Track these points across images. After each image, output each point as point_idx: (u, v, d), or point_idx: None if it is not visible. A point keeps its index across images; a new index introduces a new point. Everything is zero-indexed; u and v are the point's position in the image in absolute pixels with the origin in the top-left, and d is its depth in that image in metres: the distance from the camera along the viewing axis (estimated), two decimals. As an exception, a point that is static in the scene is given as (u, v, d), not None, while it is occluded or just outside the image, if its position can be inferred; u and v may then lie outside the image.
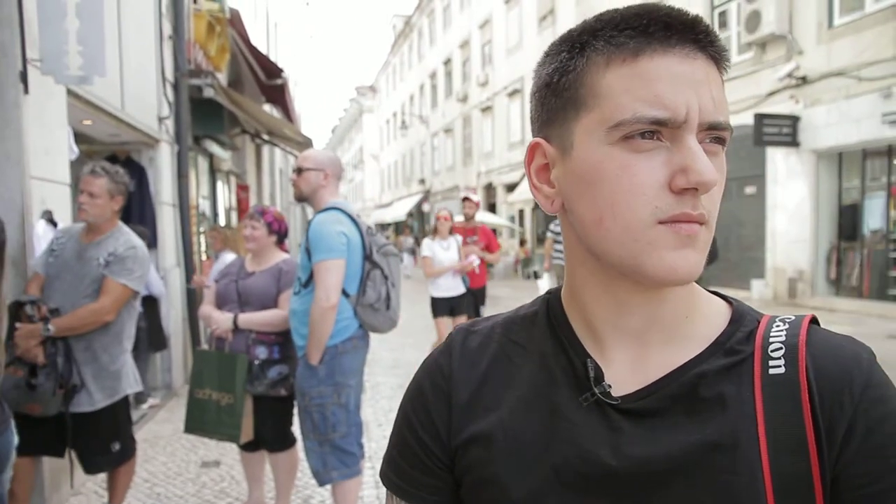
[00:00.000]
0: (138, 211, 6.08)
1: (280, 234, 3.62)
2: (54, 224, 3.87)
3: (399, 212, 40.47)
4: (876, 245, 10.88)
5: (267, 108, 12.88)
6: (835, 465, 0.63)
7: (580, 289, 0.75)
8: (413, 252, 25.38)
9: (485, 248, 7.19)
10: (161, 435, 5.29)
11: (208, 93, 7.31)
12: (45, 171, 3.87)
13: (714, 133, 0.65)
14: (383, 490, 3.97)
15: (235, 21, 9.61)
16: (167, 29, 6.76)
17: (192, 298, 6.82)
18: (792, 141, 11.34)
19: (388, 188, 50.28)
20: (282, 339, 3.41)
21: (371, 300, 3.11)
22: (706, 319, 0.73)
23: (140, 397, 5.76)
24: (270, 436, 3.51)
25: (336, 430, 3.07)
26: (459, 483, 0.79)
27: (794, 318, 0.71)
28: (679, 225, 0.63)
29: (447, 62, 32.69)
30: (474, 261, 6.76)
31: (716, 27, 13.19)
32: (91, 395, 3.12)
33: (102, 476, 3.84)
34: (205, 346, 4.18)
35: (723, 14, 13.33)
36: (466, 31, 29.41)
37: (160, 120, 6.50)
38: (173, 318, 6.56)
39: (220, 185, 10.46)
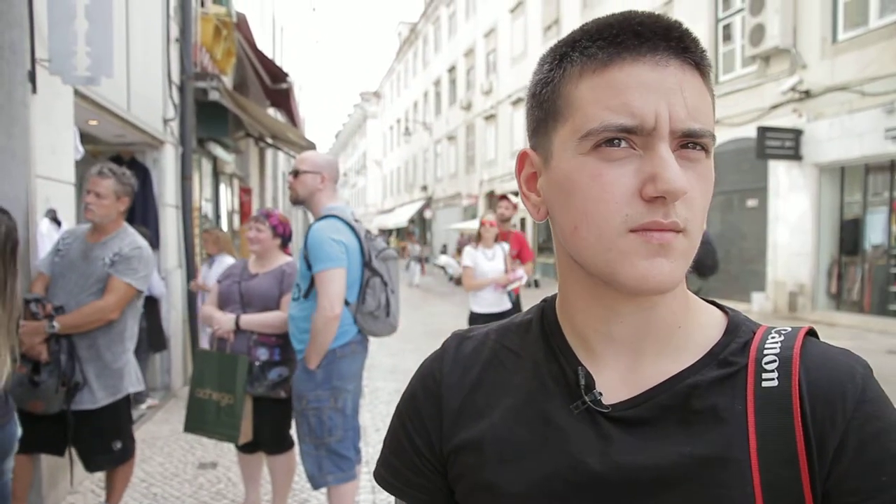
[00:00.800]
0: (141, 212, 6.09)
1: (284, 237, 3.64)
2: (58, 223, 3.88)
3: (401, 218, 40.52)
4: (877, 260, 10.88)
5: (271, 111, 12.91)
6: (826, 480, 0.62)
7: (570, 297, 0.75)
8: (420, 260, 24.85)
9: (516, 256, 6.26)
10: (159, 435, 5.29)
11: (213, 96, 7.34)
12: (50, 170, 3.89)
13: (691, 140, 0.64)
14: (380, 495, 3.98)
15: (242, 25, 9.66)
16: (174, 31, 6.80)
17: (193, 300, 6.84)
18: (794, 154, 11.36)
19: (391, 194, 50.34)
20: (283, 342, 3.42)
21: (371, 308, 3.10)
22: (701, 329, 0.72)
23: (139, 397, 5.77)
24: (269, 437, 3.52)
25: (332, 434, 3.06)
26: (453, 489, 0.80)
27: (790, 329, 0.71)
28: (650, 233, 0.63)
29: (452, 70, 32.80)
30: (522, 277, 5.89)
31: (720, 40, 13.27)
32: (93, 393, 3.14)
33: (100, 475, 3.85)
34: (205, 347, 4.19)
35: (727, 27, 13.37)
36: (471, 39, 29.52)
37: (165, 122, 6.52)
38: (173, 319, 6.58)
39: (223, 187, 10.48)
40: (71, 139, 4.22)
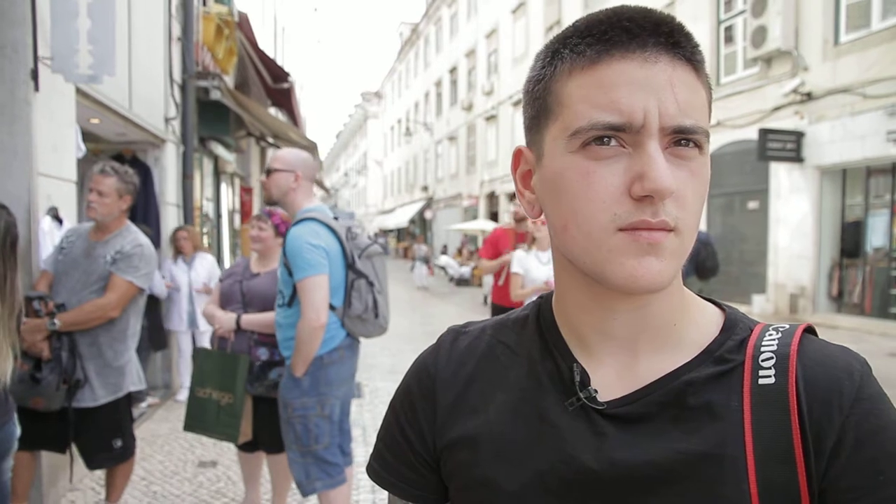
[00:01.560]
0: (142, 211, 6.10)
1: (286, 235, 3.63)
2: (60, 221, 3.89)
3: (401, 218, 40.50)
4: (878, 262, 10.87)
5: (273, 111, 12.93)
6: (823, 477, 0.62)
7: (566, 294, 0.75)
8: (427, 261, 24.12)
9: None
10: (159, 434, 5.30)
11: (215, 95, 7.34)
12: (52, 167, 3.89)
13: (682, 136, 0.63)
14: (380, 494, 3.97)
15: (243, 24, 9.67)
16: (176, 30, 6.80)
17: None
18: (796, 156, 11.35)
19: (391, 194, 50.35)
20: (283, 342, 3.42)
21: (358, 311, 2.99)
22: (697, 327, 0.72)
23: (139, 396, 5.77)
24: (268, 437, 3.51)
25: (319, 441, 2.98)
26: (446, 484, 0.80)
27: (788, 326, 0.70)
28: (639, 232, 0.62)
29: (453, 70, 32.79)
30: None
31: (722, 42, 13.25)
32: (94, 391, 3.14)
33: (100, 473, 3.86)
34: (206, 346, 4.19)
35: (729, 29, 13.36)
36: (473, 39, 29.52)
37: (167, 120, 6.53)
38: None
39: (224, 186, 10.49)
40: (73, 137, 4.22)
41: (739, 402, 0.65)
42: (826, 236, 11.51)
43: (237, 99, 8.13)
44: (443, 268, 25.04)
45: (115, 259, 3.16)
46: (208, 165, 9.08)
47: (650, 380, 0.69)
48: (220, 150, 8.91)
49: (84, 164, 4.65)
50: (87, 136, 5.25)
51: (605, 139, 0.63)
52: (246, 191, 12.19)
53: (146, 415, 5.78)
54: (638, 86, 0.62)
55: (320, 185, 16.35)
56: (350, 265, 2.99)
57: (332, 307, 2.95)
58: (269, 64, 10.65)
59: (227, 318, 3.42)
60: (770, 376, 0.65)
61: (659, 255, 0.63)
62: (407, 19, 46.82)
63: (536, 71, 0.71)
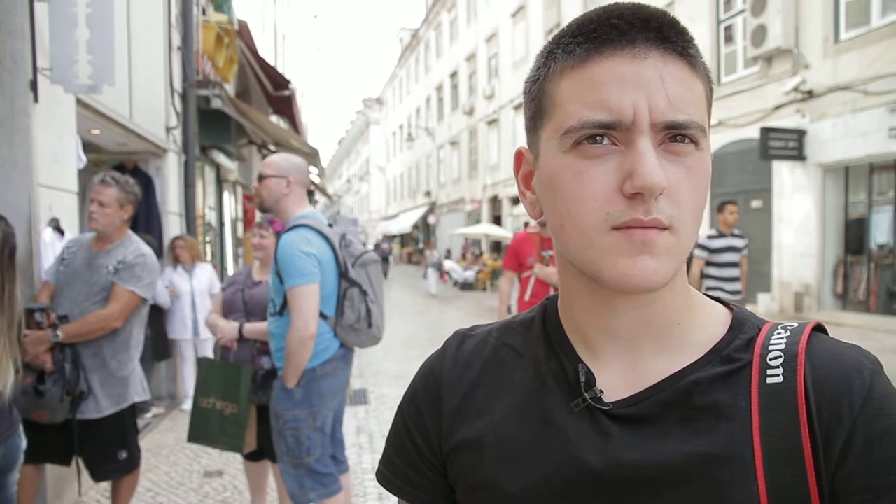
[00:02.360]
0: (144, 220, 6.10)
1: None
2: (61, 232, 3.88)
3: (405, 224, 40.55)
4: (883, 259, 10.83)
5: (274, 119, 12.94)
6: (833, 478, 0.61)
7: (569, 294, 0.74)
8: (440, 267, 23.06)
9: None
10: (164, 444, 5.28)
11: (216, 103, 7.35)
12: (52, 178, 3.89)
13: (676, 132, 0.62)
14: (388, 502, 3.94)
15: (243, 32, 9.68)
16: (176, 40, 6.81)
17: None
18: (798, 155, 11.32)
19: (394, 200, 50.40)
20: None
21: (350, 321, 2.94)
22: (704, 326, 0.71)
23: (144, 406, 5.76)
24: (273, 446, 3.49)
25: (310, 454, 2.94)
26: (453, 488, 0.80)
27: (797, 325, 0.69)
28: (632, 231, 0.62)
29: (454, 75, 32.84)
30: None
31: (722, 42, 13.24)
32: (98, 402, 3.13)
33: (105, 485, 3.84)
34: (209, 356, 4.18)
35: (729, 28, 13.35)
36: (473, 44, 29.56)
37: (168, 130, 6.53)
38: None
39: (226, 195, 10.49)
40: (73, 148, 4.22)
41: (747, 401, 0.64)
42: (830, 234, 11.47)
43: (238, 107, 8.14)
44: (447, 272, 24.96)
45: (117, 269, 3.15)
46: (210, 174, 9.09)
47: (656, 380, 0.69)
48: (221, 158, 8.92)
49: (85, 175, 4.64)
50: (88, 146, 5.25)
51: (598, 138, 0.63)
52: (248, 199, 12.19)
53: (151, 425, 5.77)
54: (627, 82, 0.61)
55: (323, 192, 16.34)
56: (343, 274, 2.94)
57: (324, 316, 2.90)
58: (270, 72, 10.66)
59: (230, 328, 3.41)
60: (778, 375, 0.64)
61: (653, 253, 0.62)
62: (407, 25, 46.96)
63: (533, 72, 0.71)
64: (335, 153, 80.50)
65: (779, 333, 0.68)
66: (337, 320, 2.94)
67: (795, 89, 11.38)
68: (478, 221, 28.03)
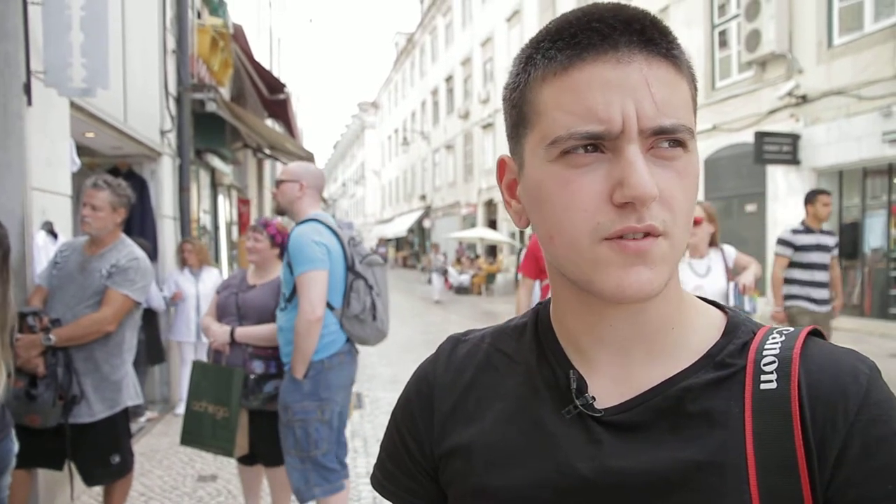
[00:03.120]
0: (139, 223, 6.08)
1: (283, 246, 3.61)
2: (54, 235, 3.87)
3: (400, 227, 40.54)
4: (877, 263, 10.87)
5: (269, 122, 12.93)
6: (828, 487, 0.59)
7: (560, 301, 0.73)
8: (444, 272, 22.15)
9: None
10: (158, 448, 5.26)
11: (211, 107, 7.34)
12: (46, 182, 3.88)
13: (665, 137, 0.61)
14: (382, 505, 3.92)
15: (238, 36, 9.67)
16: (171, 43, 6.80)
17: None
18: (792, 159, 11.36)
19: (390, 204, 50.40)
20: (278, 354, 3.40)
21: (356, 311, 3.06)
22: (697, 331, 0.70)
23: (137, 410, 5.74)
24: (266, 450, 3.48)
25: (318, 447, 3.00)
26: (445, 494, 0.80)
27: (792, 330, 0.68)
28: (625, 242, 0.60)
29: (449, 79, 32.89)
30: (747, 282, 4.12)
31: (716, 46, 13.28)
32: (91, 406, 3.11)
33: (98, 489, 3.82)
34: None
35: (723, 33, 13.40)
36: (468, 48, 29.61)
37: (162, 133, 6.52)
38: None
39: (221, 198, 10.48)
40: (67, 151, 4.21)
41: (740, 408, 0.63)
42: (824, 238, 11.49)
43: (233, 111, 8.13)
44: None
45: (110, 273, 3.14)
46: (205, 178, 9.08)
47: (648, 386, 0.67)
48: (216, 162, 8.90)
49: (79, 179, 4.62)
50: (83, 149, 5.23)
51: (586, 147, 0.61)
52: (243, 202, 12.19)
53: (145, 429, 5.74)
54: (612, 88, 0.59)
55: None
56: (350, 267, 3.06)
57: (331, 307, 3.00)
58: (265, 75, 10.66)
59: (222, 332, 3.40)
60: (772, 381, 0.63)
61: (648, 263, 0.61)
62: (402, 29, 46.99)
63: (512, 78, 0.69)
64: (330, 157, 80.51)
65: (773, 338, 0.67)
66: (343, 311, 3.04)
67: (789, 94, 11.42)
68: (473, 225, 28.05)
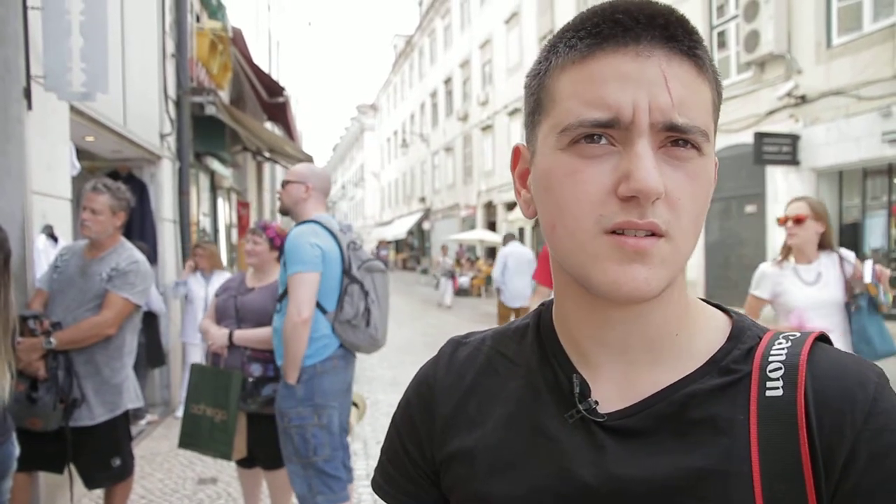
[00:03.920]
0: (139, 227, 6.09)
1: (282, 249, 3.62)
2: (55, 239, 3.87)
3: (399, 230, 40.50)
4: (877, 264, 10.86)
5: (268, 125, 12.94)
6: (833, 496, 0.59)
7: (563, 301, 0.72)
8: (453, 276, 20.95)
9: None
10: (158, 451, 5.26)
11: (210, 110, 7.35)
12: (46, 185, 3.88)
13: (677, 136, 0.60)
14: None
15: (238, 39, 9.68)
16: (170, 47, 6.81)
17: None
18: (792, 159, 11.36)
19: (389, 206, 50.38)
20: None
21: (348, 316, 3.00)
22: (702, 335, 0.69)
23: (138, 413, 5.74)
24: (264, 454, 3.47)
25: (318, 453, 2.96)
26: (446, 498, 0.79)
27: (798, 335, 0.66)
28: (624, 238, 0.59)
29: (448, 81, 32.88)
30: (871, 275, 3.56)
31: (715, 47, 13.28)
32: (91, 410, 3.12)
33: (99, 492, 3.82)
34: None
35: (722, 34, 13.41)
36: (467, 50, 29.61)
37: (162, 137, 6.53)
38: (172, 334, 6.55)
39: (220, 201, 10.48)
40: (67, 155, 4.21)
41: (746, 415, 0.62)
42: (824, 239, 11.49)
43: (232, 114, 8.14)
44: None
45: (110, 276, 3.14)
46: (204, 181, 9.08)
47: (651, 391, 0.66)
48: (216, 165, 8.91)
49: (79, 182, 4.63)
50: (82, 153, 5.24)
51: (595, 137, 0.60)
52: (243, 205, 12.19)
53: (145, 432, 5.74)
54: (627, 80, 0.59)
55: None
56: (346, 270, 3.02)
57: (324, 311, 2.97)
58: (264, 79, 10.66)
59: (220, 334, 3.40)
60: (778, 388, 0.62)
61: (646, 262, 0.60)
62: (401, 31, 47.05)
63: (535, 66, 0.69)
64: (330, 159, 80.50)
65: (780, 343, 0.66)
66: (336, 315, 3.00)
67: (788, 94, 11.43)
68: (472, 227, 28.03)
